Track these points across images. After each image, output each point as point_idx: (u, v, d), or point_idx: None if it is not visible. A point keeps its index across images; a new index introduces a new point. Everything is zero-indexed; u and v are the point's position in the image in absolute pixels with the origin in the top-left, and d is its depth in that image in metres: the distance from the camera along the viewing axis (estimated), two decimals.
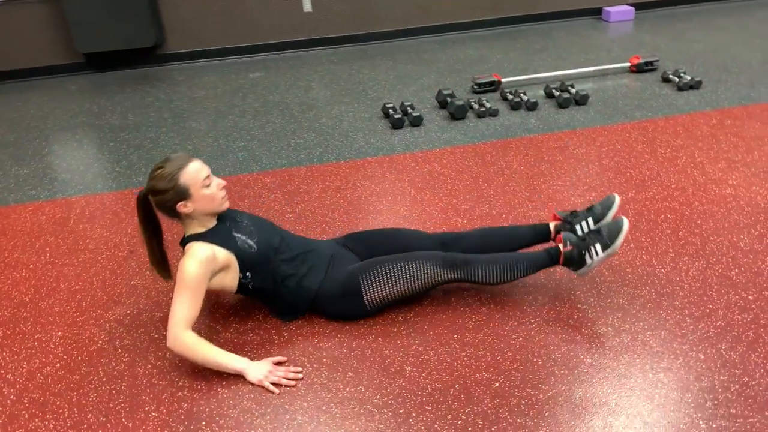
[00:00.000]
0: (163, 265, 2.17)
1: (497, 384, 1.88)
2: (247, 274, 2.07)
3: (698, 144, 3.28)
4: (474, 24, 5.63)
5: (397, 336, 2.09)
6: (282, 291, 2.12)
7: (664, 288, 2.24)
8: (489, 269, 2.10)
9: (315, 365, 2.00)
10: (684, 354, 1.95)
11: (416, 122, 3.73)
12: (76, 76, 5.11)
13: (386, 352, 2.03)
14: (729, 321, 2.06)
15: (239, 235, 2.08)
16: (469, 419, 1.77)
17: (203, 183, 1.99)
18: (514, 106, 3.87)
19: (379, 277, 2.08)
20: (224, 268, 2.03)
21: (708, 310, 2.12)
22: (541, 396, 1.83)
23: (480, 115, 3.79)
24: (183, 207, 2.00)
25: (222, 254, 2.01)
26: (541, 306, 2.18)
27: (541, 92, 4.11)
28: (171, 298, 2.30)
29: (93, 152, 3.67)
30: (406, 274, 2.08)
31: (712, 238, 2.50)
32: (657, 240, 2.51)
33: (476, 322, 2.13)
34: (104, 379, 1.99)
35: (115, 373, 2.02)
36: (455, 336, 2.08)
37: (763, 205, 2.70)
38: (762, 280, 2.24)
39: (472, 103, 3.88)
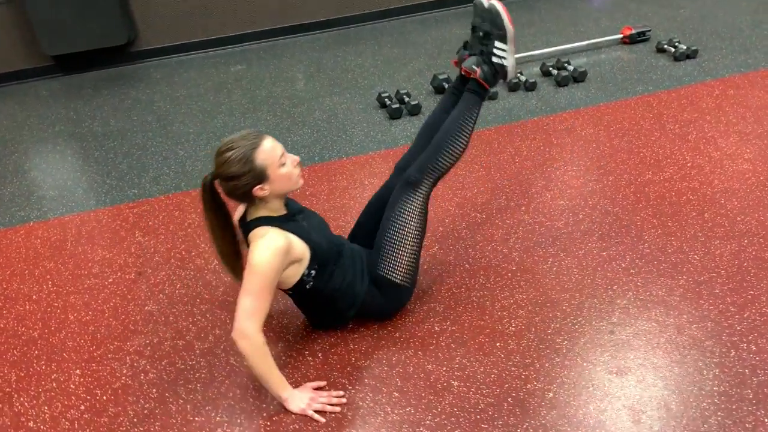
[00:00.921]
0: (237, 263, 1.94)
1: (551, 394, 1.82)
2: (312, 271, 1.89)
3: (706, 117, 3.23)
4: (456, 0, 5.48)
5: (438, 349, 2.01)
6: (335, 295, 1.99)
7: (701, 276, 2.20)
8: (443, 151, 2.02)
9: (357, 387, 1.91)
10: (735, 346, 1.91)
11: (415, 111, 3.62)
12: (46, 80, 4.85)
13: (429, 367, 1.95)
14: None
15: (311, 229, 1.93)
16: None
17: (280, 161, 1.78)
18: (512, 88, 3.77)
19: (389, 255, 2.01)
20: (294, 261, 1.85)
21: (750, 297, 2.08)
22: (598, 404, 1.77)
23: None
24: (260, 191, 1.77)
25: (299, 246, 1.84)
26: (580, 305, 2.12)
27: (537, 70, 4.02)
28: (191, 322, 2.19)
29: (79, 164, 3.48)
30: (401, 230, 2.01)
31: (739, 218, 2.46)
32: (684, 224, 2.46)
33: (516, 327, 2.06)
34: (135, 420, 1.88)
35: (146, 411, 1.90)
36: (498, 344, 2.01)
37: None
38: None
39: None
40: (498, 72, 2.06)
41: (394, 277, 2.02)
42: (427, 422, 1.77)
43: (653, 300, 2.11)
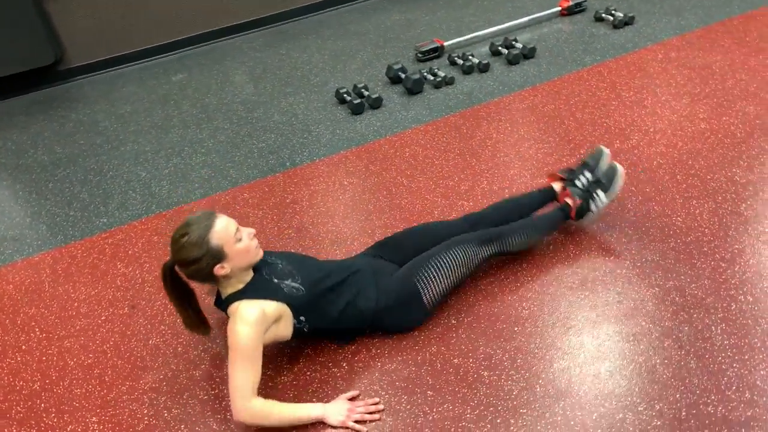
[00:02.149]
0: (202, 325, 2.01)
1: (578, 370, 1.90)
2: (301, 318, 1.94)
3: (656, 81, 3.39)
4: None
5: (459, 341, 2.06)
6: (341, 321, 2.01)
7: (687, 236, 2.33)
8: (519, 237, 2.23)
9: (390, 391, 1.93)
10: (734, 299, 2.04)
11: (376, 104, 3.61)
12: None
13: (456, 361, 1.99)
14: (760, 257, 2.18)
15: (281, 281, 1.94)
16: (568, 413, 1.78)
17: (235, 238, 1.84)
18: (467, 71, 3.82)
19: (433, 273, 2.06)
20: (276, 320, 1.89)
21: (736, 251, 2.23)
22: (623, 372, 1.86)
23: (437, 86, 3.72)
24: (220, 269, 1.84)
25: (272, 308, 1.86)
26: (584, 280, 2.21)
27: (487, 50, 4.09)
28: (202, 350, 2.14)
29: (34, 198, 3.29)
30: (454, 263, 2.09)
31: (708, 177, 2.61)
32: (660, 188, 2.59)
33: (530, 310, 2.13)
34: None
35: None
36: (516, 329, 2.07)
37: (739, 135, 2.85)
38: None
39: (425, 74, 3.79)
40: (585, 212, 2.33)
41: (425, 293, 2.04)
42: (468, 416, 1.82)
43: (650, 265, 2.22)
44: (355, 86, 3.73)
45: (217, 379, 2.06)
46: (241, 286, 1.90)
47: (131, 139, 3.74)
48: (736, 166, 2.65)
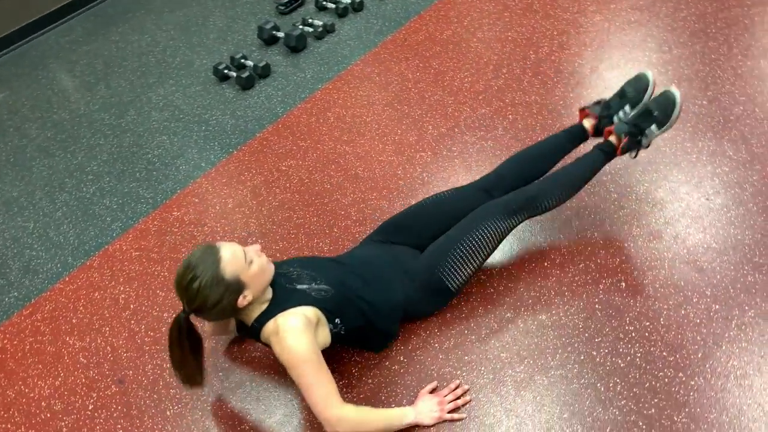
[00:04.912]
0: (200, 374, 1.80)
1: (623, 284, 1.97)
2: (336, 320, 1.77)
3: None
4: None
5: (498, 296, 2.02)
6: (373, 319, 1.86)
7: None
8: (554, 196, 1.96)
9: (464, 369, 1.86)
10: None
11: (265, 72, 3.29)
12: None
13: (508, 315, 1.97)
14: (726, 110, 2.38)
15: (304, 286, 1.76)
16: (635, 329, 1.85)
17: (247, 262, 1.64)
18: (342, 13, 3.60)
19: (456, 261, 1.89)
20: (316, 325, 1.72)
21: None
22: (664, 271, 1.97)
23: (319, 37, 3.47)
24: (243, 300, 1.65)
25: (309, 312, 1.70)
26: (579, 201, 2.27)
27: None
28: (223, 404, 1.89)
29: None
30: (479, 245, 1.90)
31: (621, 64, 2.76)
32: (593, 85, 2.70)
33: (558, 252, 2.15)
34: None
35: None
36: (546, 263, 2.08)
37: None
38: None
39: (302, 27, 3.51)
40: (635, 148, 2.00)
41: (451, 284, 1.92)
42: (553, 363, 1.82)
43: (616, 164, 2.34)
44: (232, 58, 3.36)
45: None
46: (265, 305, 1.72)
47: None
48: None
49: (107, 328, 2.25)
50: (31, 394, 2.10)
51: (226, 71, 3.31)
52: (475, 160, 2.51)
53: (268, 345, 1.72)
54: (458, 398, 1.78)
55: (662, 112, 1.97)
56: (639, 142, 2.00)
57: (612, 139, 2.02)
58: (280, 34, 3.47)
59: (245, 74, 3.22)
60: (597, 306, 1.93)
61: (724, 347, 1.76)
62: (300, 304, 1.70)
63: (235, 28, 3.79)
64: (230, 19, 3.89)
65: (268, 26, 3.48)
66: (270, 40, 3.52)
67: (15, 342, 2.28)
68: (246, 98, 3.19)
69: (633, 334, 1.84)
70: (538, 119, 2.60)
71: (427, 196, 2.12)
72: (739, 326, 1.80)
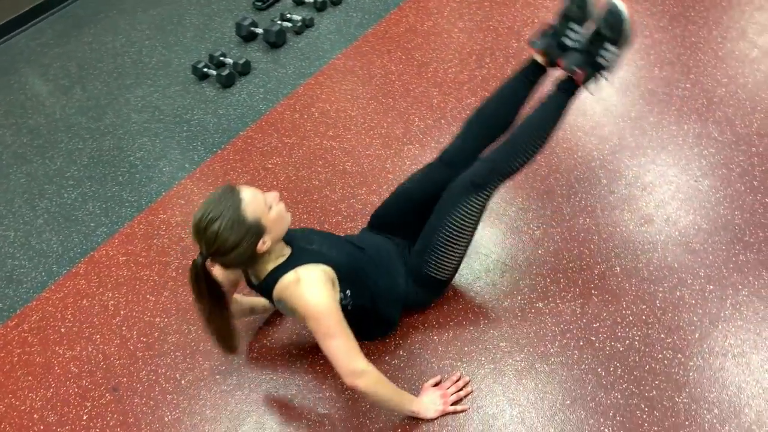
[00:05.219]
0: (234, 337, 1.74)
1: (618, 269, 1.98)
2: (347, 291, 1.72)
3: None
4: None
5: (493, 285, 2.02)
6: (379, 303, 1.84)
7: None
8: (519, 154, 1.78)
9: (464, 360, 1.86)
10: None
11: (246, 69, 3.25)
12: None
13: (505, 304, 1.97)
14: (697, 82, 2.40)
15: (321, 249, 1.73)
16: (635, 311, 1.86)
17: (267, 206, 1.57)
18: (320, 7, 3.56)
19: (439, 253, 1.84)
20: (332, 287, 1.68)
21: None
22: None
23: (298, 32, 3.43)
24: (263, 245, 1.57)
25: (327, 269, 1.66)
26: (570, 176, 2.27)
27: None
28: (221, 408, 1.87)
29: None
30: (457, 230, 1.80)
31: None
32: None
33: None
34: None
35: None
36: (539, 251, 2.08)
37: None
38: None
39: (281, 23, 3.47)
40: (597, 75, 1.76)
41: (441, 276, 1.90)
42: (552, 350, 1.83)
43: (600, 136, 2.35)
44: (211, 56, 3.31)
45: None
46: (282, 259, 1.65)
47: None
48: None
49: (98, 336, 2.20)
50: (23, 407, 2.05)
51: (205, 70, 3.26)
52: None
53: (276, 301, 1.66)
54: (460, 390, 1.78)
55: (610, 28, 1.70)
56: (599, 67, 1.74)
57: (573, 77, 1.77)
58: (259, 30, 3.42)
59: (225, 72, 3.17)
60: (593, 291, 1.94)
61: (720, 327, 1.78)
62: (318, 263, 1.65)
63: (212, 25, 3.73)
64: (207, 17, 3.82)
65: (246, 22, 3.43)
66: (248, 37, 3.47)
67: (2, 354, 2.23)
68: (227, 96, 3.15)
69: (630, 318, 1.85)
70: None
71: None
72: (734, 305, 1.82)
